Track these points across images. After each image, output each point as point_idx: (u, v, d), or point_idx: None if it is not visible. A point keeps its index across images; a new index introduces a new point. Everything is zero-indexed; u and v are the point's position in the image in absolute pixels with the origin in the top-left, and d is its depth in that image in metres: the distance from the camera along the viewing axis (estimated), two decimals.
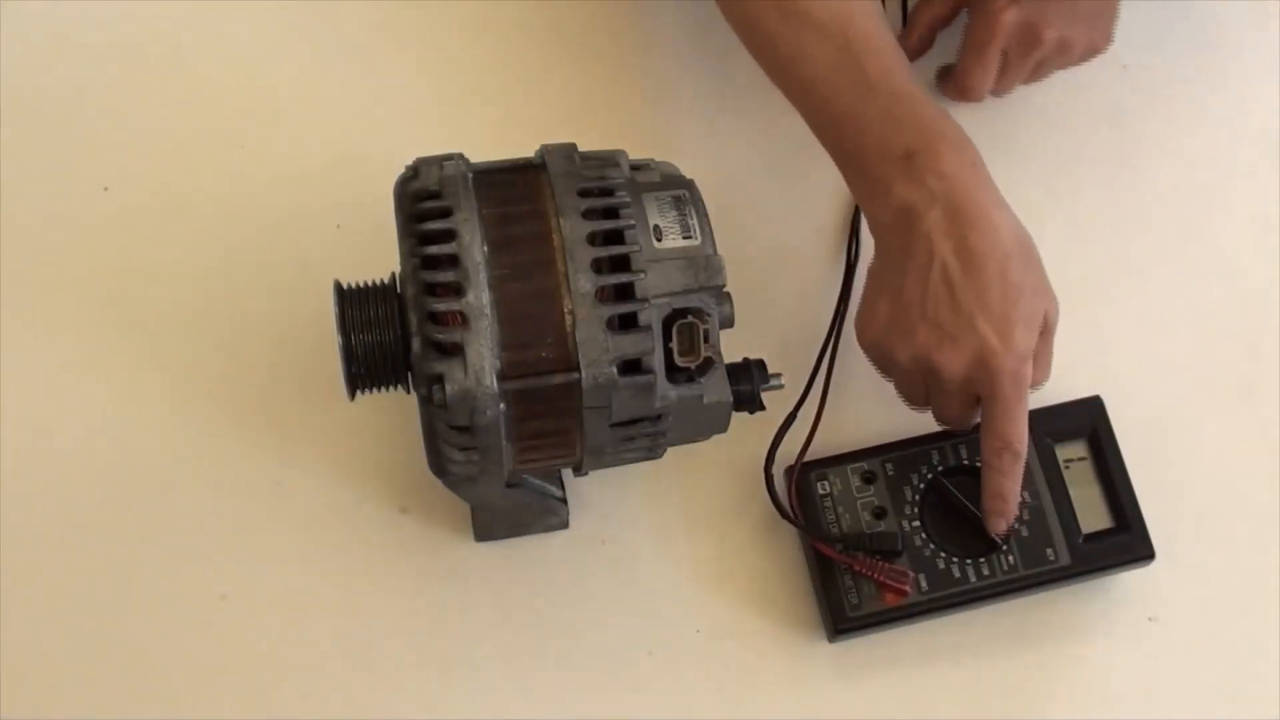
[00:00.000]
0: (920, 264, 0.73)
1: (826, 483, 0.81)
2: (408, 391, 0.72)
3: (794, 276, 0.88)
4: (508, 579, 0.82)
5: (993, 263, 0.72)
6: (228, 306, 0.87)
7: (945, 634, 0.81)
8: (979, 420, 0.76)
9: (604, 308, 0.67)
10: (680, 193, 0.72)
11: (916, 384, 0.77)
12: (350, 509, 0.83)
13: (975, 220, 0.73)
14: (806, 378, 0.84)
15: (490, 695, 0.80)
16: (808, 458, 0.81)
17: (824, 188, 0.90)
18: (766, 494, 0.82)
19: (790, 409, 0.82)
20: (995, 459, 0.75)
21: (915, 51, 0.88)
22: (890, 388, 0.81)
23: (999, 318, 0.73)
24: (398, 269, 0.71)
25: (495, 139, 0.76)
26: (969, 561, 0.79)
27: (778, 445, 0.82)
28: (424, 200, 0.69)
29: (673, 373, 0.69)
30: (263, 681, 0.80)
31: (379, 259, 0.73)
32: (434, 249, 0.67)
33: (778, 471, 0.82)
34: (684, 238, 0.70)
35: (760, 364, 0.74)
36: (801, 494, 0.81)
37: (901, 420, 0.83)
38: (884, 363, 0.77)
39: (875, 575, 0.78)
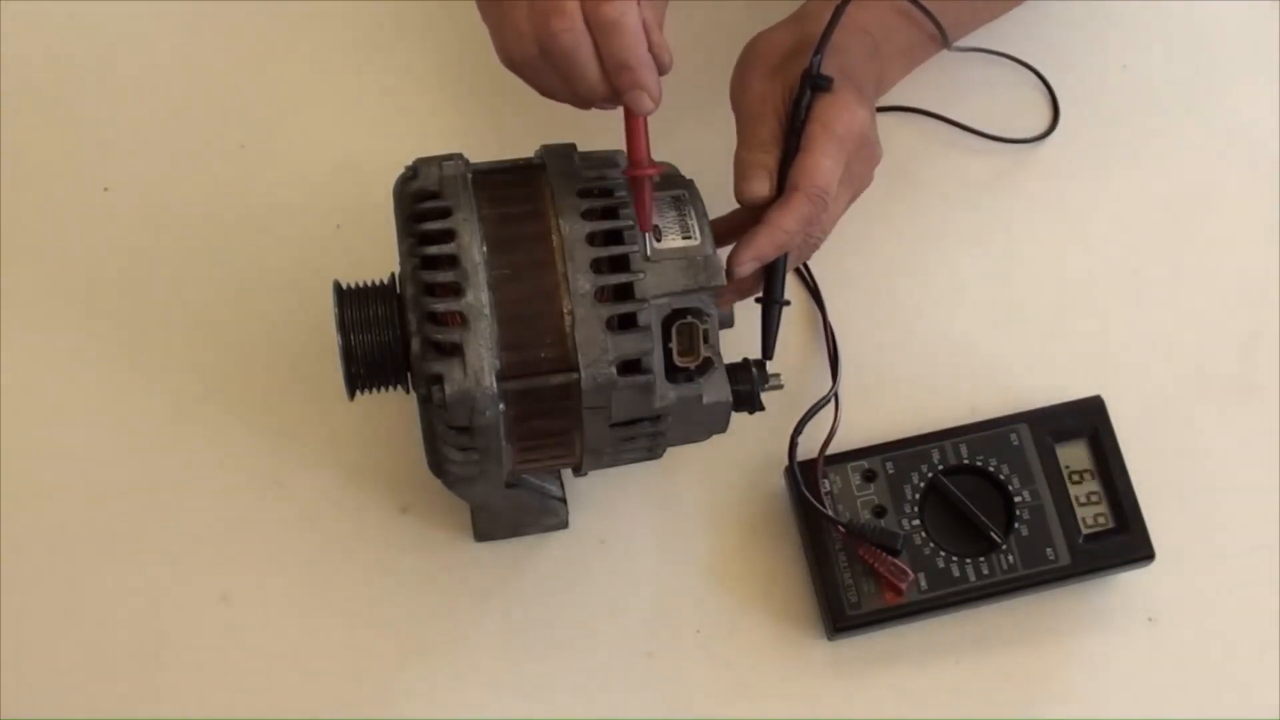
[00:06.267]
0: None
1: (827, 480, 0.81)
2: (407, 391, 0.72)
3: (793, 275, 0.88)
4: (508, 579, 0.82)
5: None
6: (228, 306, 0.87)
7: (944, 633, 0.81)
8: None
9: (603, 308, 0.67)
10: (680, 193, 0.72)
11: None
12: (351, 509, 0.83)
13: None
14: (805, 376, 0.84)
15: (490, 695, 0.80)
16: (806, 456, 0.81)
17: None
18: (764, 493, 0.83)
19: (809, 406, 0.82)
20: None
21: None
22: (897, 387, 0.82)
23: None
24: (397, 269, 0.71)
25: (495, 139, 0.77)
26: (969, 561, 0.80)
27: (797, 441, 0.81)
28: (423, 200, 0.69)
29: (672, 373, 0.69)
30: (263, 681, 0.80)
31: (379, 259, 0.73)
32: (433, 249, 0.67)
33: (775, 471, 0.82)
34: (683, 238, 0.70)
35: (760, 364, 0.74)
36: (804, 491, 0.81)
37: (902, 419, 0.83)
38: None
39: (879, 566, 0.78)
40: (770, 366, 0.74)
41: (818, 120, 0.74)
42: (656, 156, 0.74)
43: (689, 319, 0.69)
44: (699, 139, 0.79)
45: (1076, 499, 0.81)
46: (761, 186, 0.73)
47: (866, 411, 0.84)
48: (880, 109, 0.80)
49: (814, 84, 0.75)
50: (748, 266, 0.72)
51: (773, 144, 0.75)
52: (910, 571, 0.78)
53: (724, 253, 0.72)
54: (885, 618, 0.79)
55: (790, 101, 0.75)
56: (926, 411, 0.84)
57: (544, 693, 0.80)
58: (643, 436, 0.71)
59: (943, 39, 0.83)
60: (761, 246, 0.72)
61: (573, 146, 0.72)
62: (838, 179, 0.74)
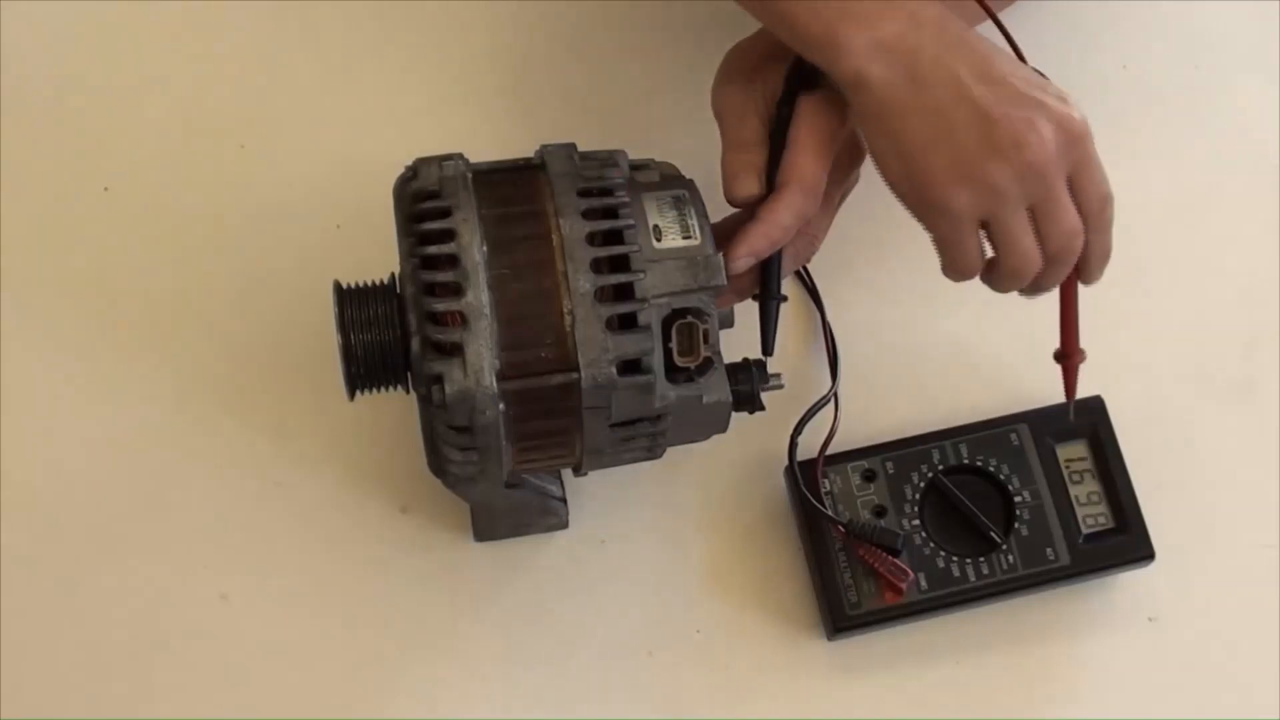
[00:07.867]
0: (946, 89, 0.70)
1: (827, 480, 0.81)
2: (407, 391, 0.72)
3: (792, 276, 0.88)
4: (508, 579, 0.82)
5: (1000, 55, 0.72)
6: (228, 306, 0.87)
7: (944, 633, 0.81)
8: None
9: (603, 308, 0.67)
10: (680, 193, 0.72)
11: (975, 221, 0.73)
12: (350, 509, 0.83)
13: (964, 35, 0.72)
14: (805, 376, 0.84)
15: (490, 695, 0.80)
16: (806, 456, 0.81)
17: None
18: (764, 493, 0.83)
19: (809, 406, 0.82)
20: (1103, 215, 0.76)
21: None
22: (897, 387, 0.81)
23: (1044, 85, 0.73)
24: (397, 269, 0.71)
25: (495, 139, 0.77)
26: (969, 561, 0.80)
27: (797, 441, 0.81)
28: (423, 200, 0.69)
29: (672, 373, 0.69)
30: (263, 681, 0.80)
31: (379, 259, 0.73)
32: (433, 249, 0.67)
33: (775, 471, 0.82)
34: (684, 238, 0.70)
35: (760, 364, 0.74)
36: (804, 491, 0.81)
37: (902, 419, 0.83)
38: (960, 209, 0.72)
39: (879, 566, 0.78)
40: (770, 366, 0.74)
41: (802, 117, 0.74)
42: (657, 156, 0.74)
43: (689, 319, 0.69)
44: (699, 139, 0.79)
45: (1076, 499, 0.81)
46: (750, 185, 0.73)
47: (866, 411, 0.84)
48: None
49: (798, 82, 0.75)
50: (743, 263, 0.72)
51: (757, 144, 0.75)
52: (910, 571, 0.78)
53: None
54: (885, 618, 0.79)
55: (772, 102, 0.75)
56: (926, 411, 0.84)
57: (544, 692, 0.80)
58: (643, 436, 0.71)
59: None
60: (755, 242, 0.72)
61: (573, 146, 0.72)
62: (826, 173, 0.74)
